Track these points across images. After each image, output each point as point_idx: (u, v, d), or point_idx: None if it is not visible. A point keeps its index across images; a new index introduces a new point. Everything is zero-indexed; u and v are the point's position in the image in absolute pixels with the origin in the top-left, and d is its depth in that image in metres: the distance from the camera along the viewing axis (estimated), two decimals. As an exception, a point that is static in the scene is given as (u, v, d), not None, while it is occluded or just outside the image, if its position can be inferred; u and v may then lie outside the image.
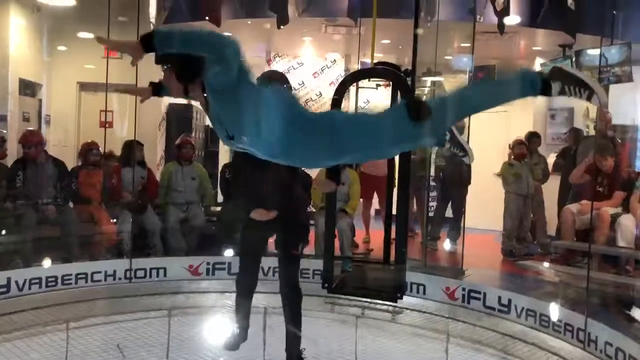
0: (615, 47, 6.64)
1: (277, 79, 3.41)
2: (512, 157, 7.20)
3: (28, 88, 8.10)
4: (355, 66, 8.82)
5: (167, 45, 1.81)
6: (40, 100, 8.42)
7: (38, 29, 7.96)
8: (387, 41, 8.10)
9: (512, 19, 6.95)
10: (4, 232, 5.42)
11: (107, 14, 6.57)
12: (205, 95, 1.98)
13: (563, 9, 6.78)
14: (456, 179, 7.09)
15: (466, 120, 8.16)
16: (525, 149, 7.06)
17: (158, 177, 6.62)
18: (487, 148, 9.10)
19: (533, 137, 7.42)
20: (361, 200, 6.95)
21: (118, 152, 6.57)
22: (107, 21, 6.69)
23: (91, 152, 5.94)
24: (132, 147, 5.96)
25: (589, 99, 2.13)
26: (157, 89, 2.32)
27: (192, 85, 1.97)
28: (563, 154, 7.43)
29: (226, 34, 2.00)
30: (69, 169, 6.05)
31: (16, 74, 7.68)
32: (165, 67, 1.99)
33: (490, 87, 2.42)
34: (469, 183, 7.18)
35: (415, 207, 7.43)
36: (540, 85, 2.14)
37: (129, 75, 7.09)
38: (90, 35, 8.15)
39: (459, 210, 7.13)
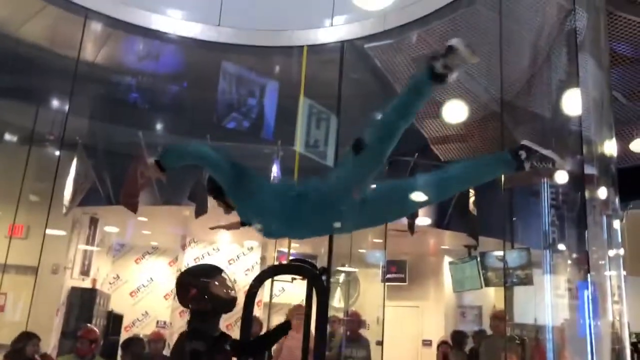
0: (515, 251, 7.02)
1: None
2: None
3: None
4: (272, 254, 8.84)
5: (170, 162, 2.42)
6: None
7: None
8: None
9: (422, 221, 7.38)
10: None
11: (19, 194, 6.48)
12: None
13: (465, 214, 7.33)
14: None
15: (380, 314, 8.22)
16: (449, 349, 6.74)
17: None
18: (401, 343, 9.05)
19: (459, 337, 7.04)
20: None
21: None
22: (17, 200, 6.57)
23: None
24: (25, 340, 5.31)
25: (553, 165, 2.46)
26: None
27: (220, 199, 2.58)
28: (470, 356, 6.97)
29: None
30: None
31: None
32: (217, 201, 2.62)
33: (468, 169, 2.63)
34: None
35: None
36: (514, 164, 2.42)
37: (27, 257, 6.71)
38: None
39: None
